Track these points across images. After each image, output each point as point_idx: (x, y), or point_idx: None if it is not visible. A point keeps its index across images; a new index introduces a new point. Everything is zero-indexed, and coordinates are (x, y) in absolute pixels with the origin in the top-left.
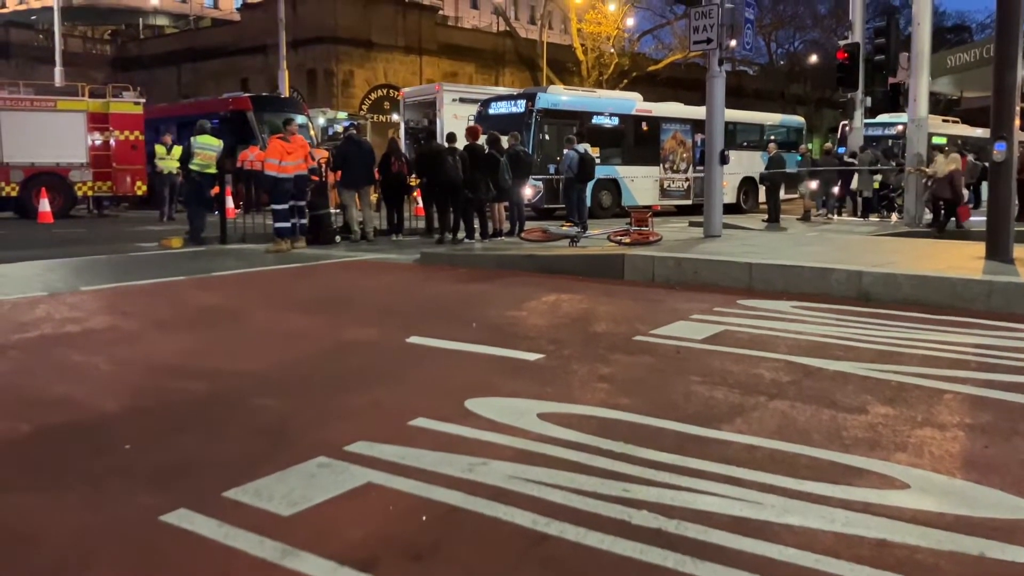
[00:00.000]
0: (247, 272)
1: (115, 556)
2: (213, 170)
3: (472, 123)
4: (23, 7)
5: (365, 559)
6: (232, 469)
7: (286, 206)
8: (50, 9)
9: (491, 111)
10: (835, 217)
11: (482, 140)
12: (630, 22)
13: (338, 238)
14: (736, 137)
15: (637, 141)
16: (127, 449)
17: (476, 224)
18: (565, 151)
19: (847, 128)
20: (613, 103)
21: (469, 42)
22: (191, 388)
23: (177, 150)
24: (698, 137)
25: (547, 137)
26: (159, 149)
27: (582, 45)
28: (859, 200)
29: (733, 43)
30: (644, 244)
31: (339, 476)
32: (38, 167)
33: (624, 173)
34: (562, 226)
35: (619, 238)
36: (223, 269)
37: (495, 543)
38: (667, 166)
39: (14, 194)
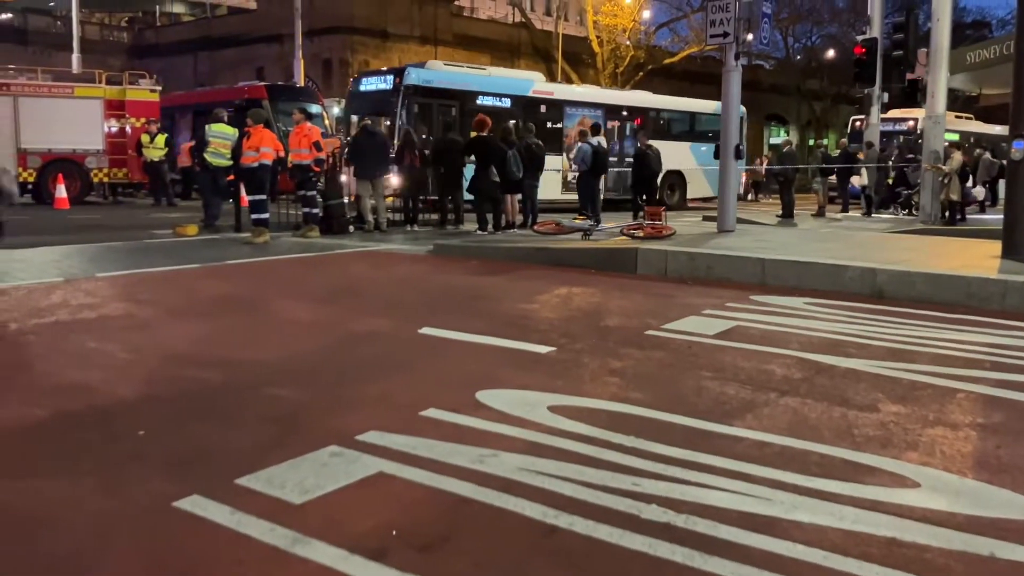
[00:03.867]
0: (261, 261)
1: (130, 541)
2: (228, 159)
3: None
4: None
5: (375, 548)
6: (245, 457)
7: (264, 196)
8: None
9: (361, 88)
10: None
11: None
12: (646, 15)
13: (351, 228)
14: (658, 125)
15: (535, 127)
16: (141, 435)
17: (488, 216)
18: (579, 144)
19: (858, 123)
20: (505, 82)
21: (484, 33)
22: (204, 376)
23: (160, 139)
24: (611, 124)
25: (418, 119)
26: (143, 138)
27: (598, 37)
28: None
29: (750, 37)
30: (657, 238)
31: (351, 465)
32: (55, 153)
33: None
34: (575, 219)
35: (632, 232)
36: (237, 257)
37: (505, 535)
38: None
39: (31, 180)
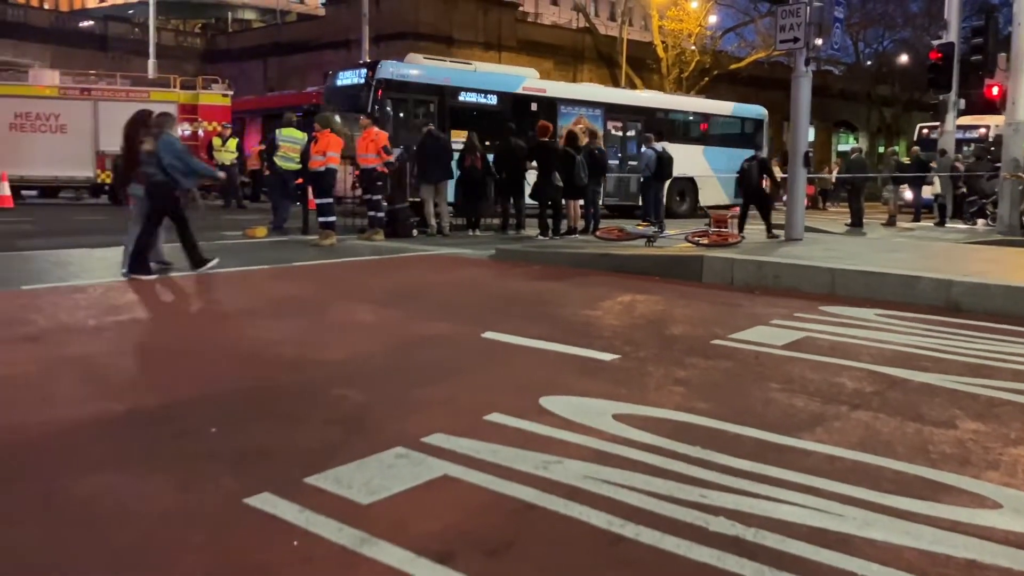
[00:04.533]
0: (327, 263)
1: (203, 536)
2: (297, 163)
3: None
4: (121, 1)
5: (441, 552)
6: (313, 456)
7: (331, 199)
8: (146, 3)
9: (338, 83)
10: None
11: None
12: (712, 19)
13: (415, 232)
14: (667, 127)
15: (524, 127)
16: (213, 433)
17: (549, 221)
18: (643, 149)
19: (926, 131)
20: (492, 78)
21: (548, 39)
22: (273, 375)
23: (232, 142)
24: (611, 124)
25: (392, 116)
26: (215, 141)
27: (663, 42)
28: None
29: (819, 42)
30: (723, 246)
31: (417, 467)
32: None
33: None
34: (638, 225)
35: (697, 239)
36: (304, 259)
37: (570, 542)
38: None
39: (108, 181)
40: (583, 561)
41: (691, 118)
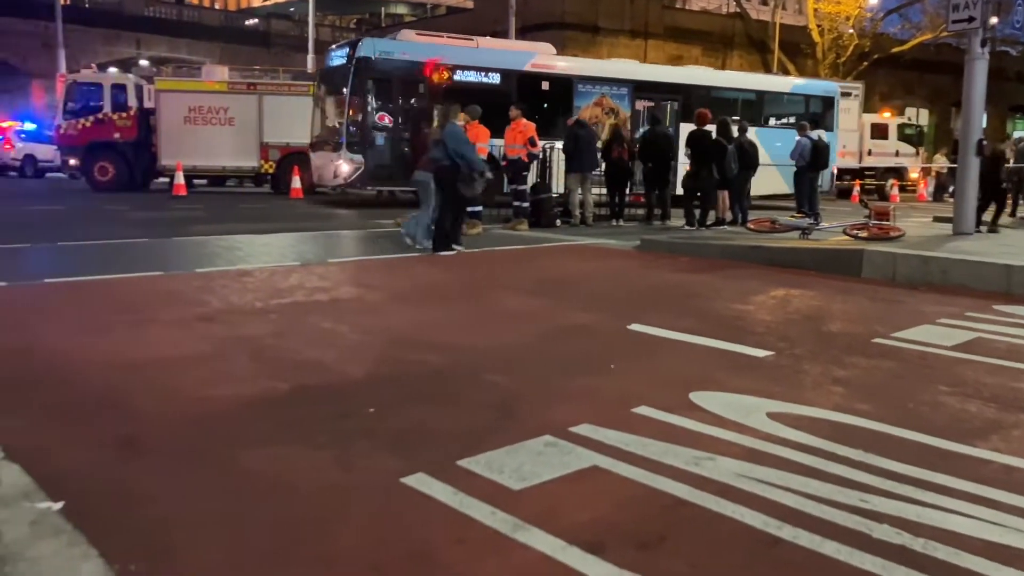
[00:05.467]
0: (474, 251)
1: (362, 511)
2: None
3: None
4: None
5: (592, 542)
6: (464, 439)
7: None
8: (306, 0)
9: (332, 63)
10: None
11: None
12: (872, 1)
13: (558, 222)
14: (713, 107)
15: (534, 108)
16: (371, 413)
17: (696, 212)
18: (797, 138)
19: None
20: (495, 55)
21: (696, 25)
22: (426, 359)
23: None
24: (641, 104)
25: (373, 98)
26: None
27: (818, 26)
28: None
29: (994, 20)
30: (884, 239)
31: (565, 456)
32: (292, 147)
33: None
34: (792, 217)
35: (856, 232)
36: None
37: (724, 540)
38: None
39: (271, 171)
40: (738, 560)
41: (740, 96)
